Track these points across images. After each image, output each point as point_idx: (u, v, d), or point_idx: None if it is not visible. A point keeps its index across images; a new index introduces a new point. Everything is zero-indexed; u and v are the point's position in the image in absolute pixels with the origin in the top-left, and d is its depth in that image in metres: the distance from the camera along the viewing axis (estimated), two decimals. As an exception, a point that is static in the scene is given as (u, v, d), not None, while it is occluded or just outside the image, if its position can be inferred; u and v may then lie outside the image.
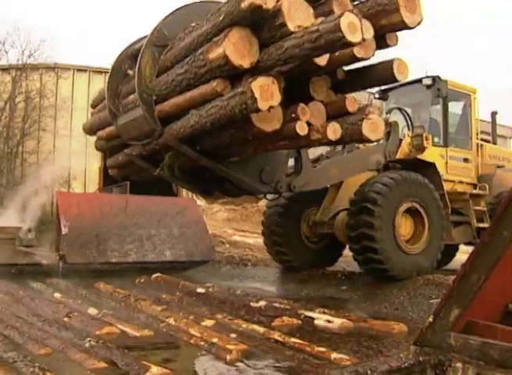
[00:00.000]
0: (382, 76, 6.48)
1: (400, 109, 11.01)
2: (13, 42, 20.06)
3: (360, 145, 9.83)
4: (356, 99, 6.68)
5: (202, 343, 5.63)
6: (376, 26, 5.73)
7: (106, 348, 5.27)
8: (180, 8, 6.77)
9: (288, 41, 5.17)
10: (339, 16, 4.74)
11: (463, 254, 11.47)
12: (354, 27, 4.77)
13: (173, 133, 6.44)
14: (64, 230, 11.53)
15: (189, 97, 6.10)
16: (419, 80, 10.67)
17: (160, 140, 6.71)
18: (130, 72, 7.24)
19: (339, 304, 8.43)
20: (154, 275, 10.32)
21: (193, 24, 6.35)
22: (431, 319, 3.83)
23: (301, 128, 6.04)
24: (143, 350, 5.48)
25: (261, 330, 6.29)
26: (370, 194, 8.80)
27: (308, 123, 6.14)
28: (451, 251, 11.84)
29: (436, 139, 10.76)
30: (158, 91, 6.52)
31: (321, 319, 6.94)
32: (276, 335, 6.03)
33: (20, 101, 19.79)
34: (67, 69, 20.56)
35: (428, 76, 10.61)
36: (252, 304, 7.75)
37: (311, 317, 7.00)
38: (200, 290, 8.73)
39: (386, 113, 10.89)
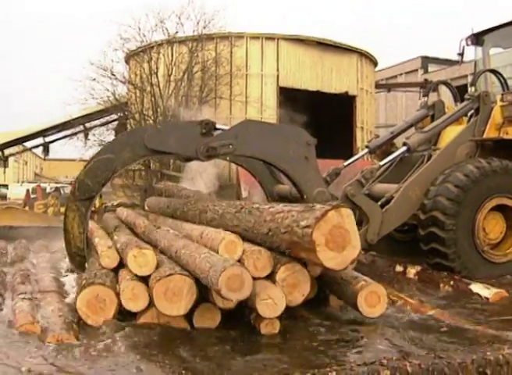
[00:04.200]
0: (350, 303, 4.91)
1: (492, 71, 9.15)
2: (188, 15, 20.57)
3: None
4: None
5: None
6: (295, 255, 4.40)
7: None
8: (99, 155, 6.12)
9: None
10: None
11: None
12: None
13: None
14: (244, 194, 11.70)
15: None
16: None
17: None
18: None
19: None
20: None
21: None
22: None
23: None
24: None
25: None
26: (439, 200, 7.04)
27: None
28: None
29: None
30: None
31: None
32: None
33: (197, 71, 20.41)
34: (240, 37, 20.94)
35: None
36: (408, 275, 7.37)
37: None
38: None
39: (471, 86, 8.86)
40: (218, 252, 4.48)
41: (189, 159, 6.62)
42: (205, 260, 4.19)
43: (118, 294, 4.54)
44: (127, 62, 22.71)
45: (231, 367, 3.82)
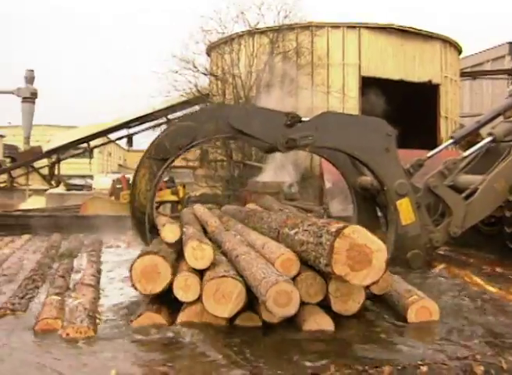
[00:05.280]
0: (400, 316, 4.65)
1: None
2: (269, 5, 20.63)
3: None
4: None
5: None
6: None
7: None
8: (182, 117, 6.03)
9: None
10: None
11: None
12: None
13: None
14: (327, 185, 11.64)
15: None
16: None
17: None
18: None
19: None
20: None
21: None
22: None
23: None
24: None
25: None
26: None
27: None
28: None
29: None
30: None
31: None
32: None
33: (278, 62, 20.37)
34: (321, 26, 20.82)
35: None
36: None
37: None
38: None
39: None
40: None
41: (269, 151, 6.64)
42: (261, 270, 4.14)
43: (173, 275, 4.50)
44: (209, 54, 22.98)
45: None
